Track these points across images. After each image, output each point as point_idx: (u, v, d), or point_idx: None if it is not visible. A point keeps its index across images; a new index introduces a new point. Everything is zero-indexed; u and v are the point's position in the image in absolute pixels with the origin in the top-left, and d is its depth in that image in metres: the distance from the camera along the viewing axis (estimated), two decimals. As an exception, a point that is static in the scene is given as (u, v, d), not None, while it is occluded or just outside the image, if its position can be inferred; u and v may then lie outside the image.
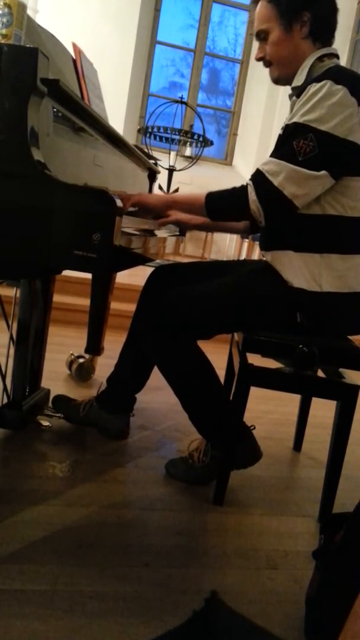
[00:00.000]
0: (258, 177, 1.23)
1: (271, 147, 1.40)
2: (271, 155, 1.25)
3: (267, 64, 1.35)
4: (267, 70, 1.36)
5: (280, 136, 1.30)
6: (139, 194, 1.39)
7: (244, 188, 1.25)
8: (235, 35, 6.88)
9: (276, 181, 1.20)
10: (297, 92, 1.29)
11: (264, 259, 1.37)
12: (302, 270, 1.26)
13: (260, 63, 1.35)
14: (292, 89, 1.32)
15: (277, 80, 1.36)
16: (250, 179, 1.25)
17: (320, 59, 1.28)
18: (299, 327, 1.29)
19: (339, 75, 1.18)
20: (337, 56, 1.31)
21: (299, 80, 1.29)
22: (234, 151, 7.09)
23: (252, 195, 1.23)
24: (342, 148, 1.17)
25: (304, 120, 1.18)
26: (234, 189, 1.28)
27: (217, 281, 1.37)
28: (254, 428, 1.43)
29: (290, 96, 1.35)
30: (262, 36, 1.32)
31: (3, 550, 1.05)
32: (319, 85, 1.17)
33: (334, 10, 1.30)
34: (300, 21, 1.26)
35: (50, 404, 1.64)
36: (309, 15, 1.26)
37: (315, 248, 1.26)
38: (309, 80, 1.25)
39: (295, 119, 1.20)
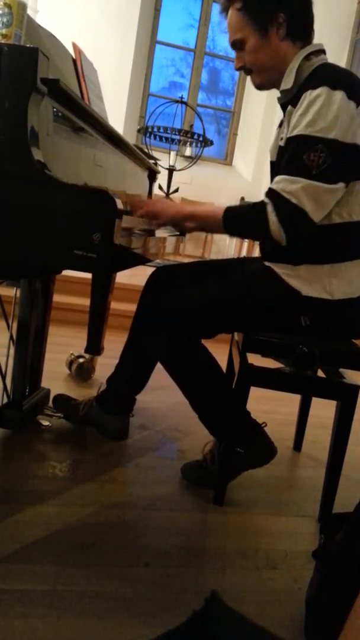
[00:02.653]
0: (275, 197, 1.16)
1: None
2: (280, 173, 1.18)
3: (248, 71, 1.31)
4: None
5: (281, 148, 1.26)
6: (150, 202, 1.31)
7: (263, 208, 1.18)
8: (235, 35, 6.87)
9: (294, 199, 1.14)
10: (289, 96, 1.26)
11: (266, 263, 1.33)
12: (311, 282, 1.23)
13: None
14: (281, 92, 1.29)
15: (261, 87, 1.33)
16: (266, 199, 1.18)
17: (307, 57, 1.25)
18: (302, 329, 1.27)
19: (334, 78, 1.15)
20: (323, 51, 1.28)
21: (287, 82, 1.25)
22: (234, 151, 7.09)
23: (272, 215, 1.16)
24: (350, 153, 1.15)
25: (310, 131, 1.14)
26: (253, 208, 1.21)
27: (218, 281, 1.36)
28: (266, 425, 1.41)
29: (280, 99, 1.32)
30: (238, 45, 1.28)
31: (3, 550, 1.05)
32: (316, 92, 1.14)
33: (308, 4, 1.25)
34: (275, 23, 1.22)
35: (50, 404, 1.65)
36: (283, 16, 1.21)
37: (325, 259, 1.23)
38: (299, 82, 1.23)
39: (298, 131, 1.16)
